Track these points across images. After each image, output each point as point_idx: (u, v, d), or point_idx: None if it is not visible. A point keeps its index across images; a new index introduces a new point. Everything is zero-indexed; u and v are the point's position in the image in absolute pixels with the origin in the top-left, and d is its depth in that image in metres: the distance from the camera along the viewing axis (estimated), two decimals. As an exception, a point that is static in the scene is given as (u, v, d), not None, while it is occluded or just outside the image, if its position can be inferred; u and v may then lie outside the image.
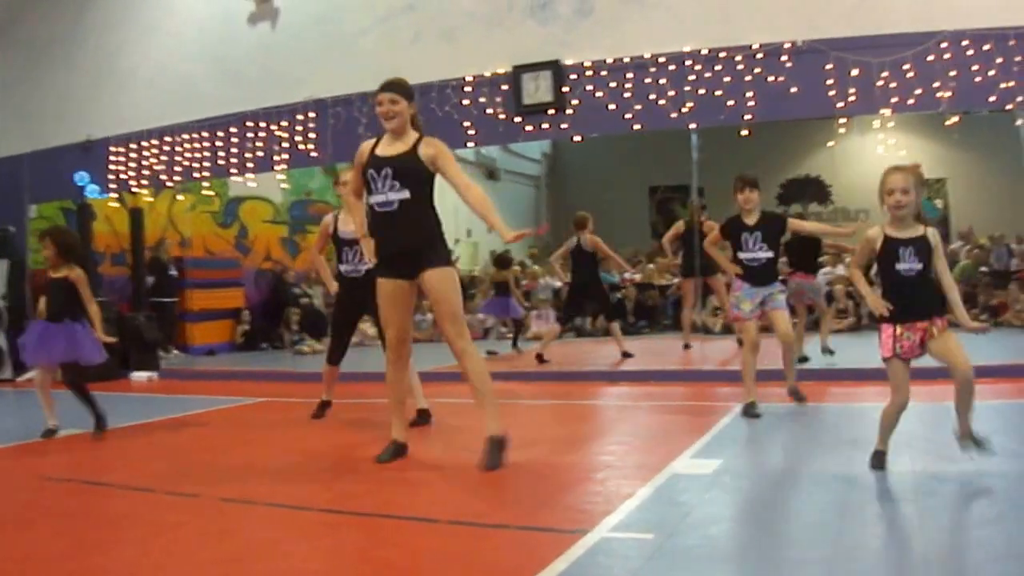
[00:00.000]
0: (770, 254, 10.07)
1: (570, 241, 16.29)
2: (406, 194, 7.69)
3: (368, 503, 6.57)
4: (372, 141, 8.01)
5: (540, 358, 16.00)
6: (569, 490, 6.84)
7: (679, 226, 16.74)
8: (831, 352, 14.21)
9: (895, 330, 6.82)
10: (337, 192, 11.04)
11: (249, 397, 13.49)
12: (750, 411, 9.84)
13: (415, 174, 7.73)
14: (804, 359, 13.92)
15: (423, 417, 10.18)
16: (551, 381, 14.36)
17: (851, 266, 7.38)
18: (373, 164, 7.79)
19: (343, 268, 10.58)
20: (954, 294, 7.03)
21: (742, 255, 10.12)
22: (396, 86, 7.97)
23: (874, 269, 7.27)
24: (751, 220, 10.11)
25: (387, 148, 7.87)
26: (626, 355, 15.90)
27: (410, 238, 7.80)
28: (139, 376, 17.21)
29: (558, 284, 23.98)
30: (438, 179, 7.77)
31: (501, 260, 19.04)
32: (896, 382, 6.91)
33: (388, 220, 7.78)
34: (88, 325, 10.16)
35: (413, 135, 7.92)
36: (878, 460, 6.98)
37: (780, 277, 10.55)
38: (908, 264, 6.74)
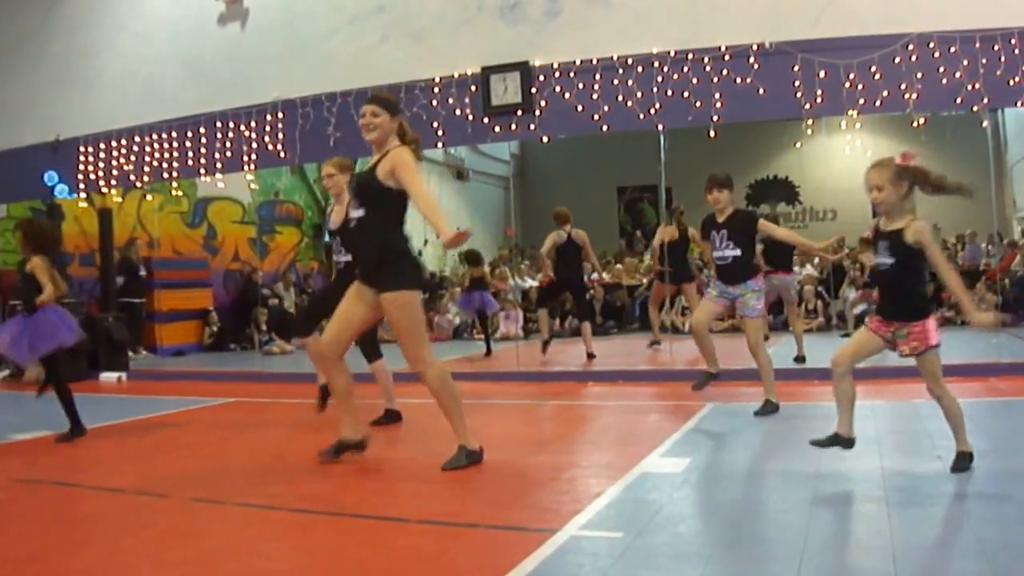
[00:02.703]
0: (737, 252, 10.00)
1: (559, 235, 16.13)
2: (362, 212, 7.73)
3: (339, 503, 6.59)
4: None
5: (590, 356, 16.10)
6: (539, 489, 6.88)
7: (672, 232, 16.67)
8: (802, 359, 14.22)
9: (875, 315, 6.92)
10: (325, 186, 10.97)
11: (218, 398, 13.47)
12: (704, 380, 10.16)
13: (371, 191, 7.71)
14: (801, 359, 14.06)
15: (391, 417, 10.17)
16: (521, 381, 14.39)
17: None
18: (355, 182, 7.90)
19: (336, 258, 10.51)
20: (954, 285, 6.91)
21: (714, 253, 10.20)
22: (379, 99, 7.90)
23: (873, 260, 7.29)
24: (721, 218, 10.15)
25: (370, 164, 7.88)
26: (591, 356, 15.95)
27: (367, 256, 7.82)
28: (108, 377, 17.14)
29: (527, 285, 24.03)
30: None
31: (472, 257, 19.03)
32: (853, 338, 7.18)
33: (352, 237, 8.05)
34: (58, 310, 10.14)
35: (387, 149, 7.85)
36: (838, 441, 7.00)
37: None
38: (880, 258, 6.78)
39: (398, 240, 7.78)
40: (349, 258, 9.78)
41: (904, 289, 6.78)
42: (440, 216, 7.44)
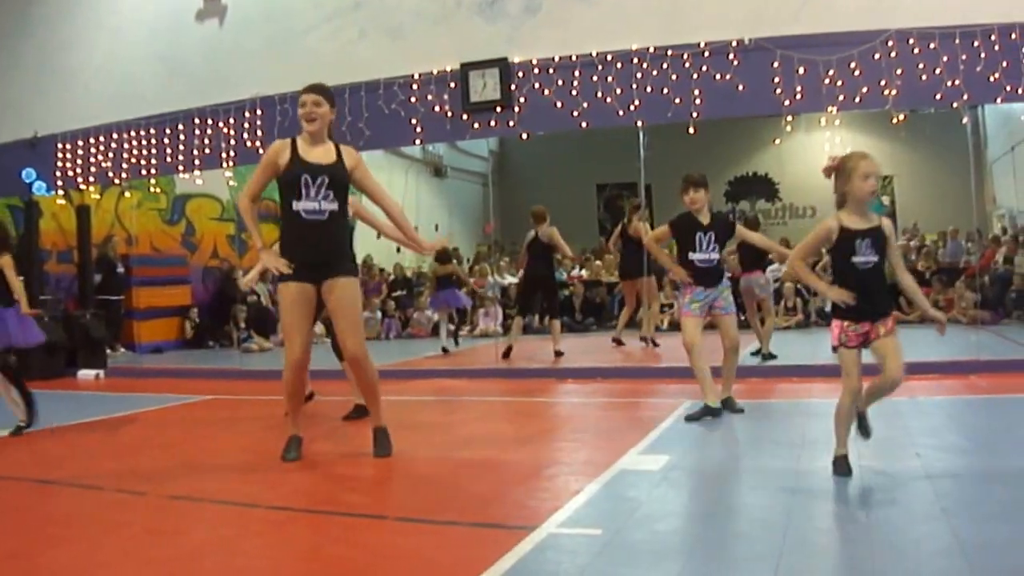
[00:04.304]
0: (719, 255, 9.97)
1: (528, 234, 16.18)
2: (336, 205, 7.80)
3: (316, 500, 6.58)
4: (287, 142, 7.95)
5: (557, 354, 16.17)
6: (517, 486, 6.86)
7: (618, 228, 16.73)
8: (772, 357, 14.18)
9: (843, 324, 6.75)
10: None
11: (196, 395, 13.44)
12: (713, 411, 9.69)
13: (344, 186, 7.90)
14: (771, 356, 14.03)
15: (360, 412, 10.12)
16: (498, 378, 14.40)
17: (793, 259, 7.12)
18: (307, 169, 7.76)
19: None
20: (911, 284, 7.02)
21: (695, 256, 9.84)
22: (320, 89, 8.07)
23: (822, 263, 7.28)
24: (705, 220, 9.91)
25: (313, 153, 7.89)
26: (558, 354, 16.02)
27: (333, 248, 7.90)
28: (86, 374, 17.10)
29: (506, 282, 24.01)
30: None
31: (442, 254, 19.00)
32: (846, 369, 6.85)
33: (316, 229, 7.83)
34: (19, 309, 10.15)
35: (330, 143, 8.04)
36: (842, 465, 6.80)
37: (729, 276, 10.49)
38: (864, 256, 6.68)
39: (351, 232, 8.29)
40: None
41: (884, 285, 6.80)
42: (411, 225, 8.04)
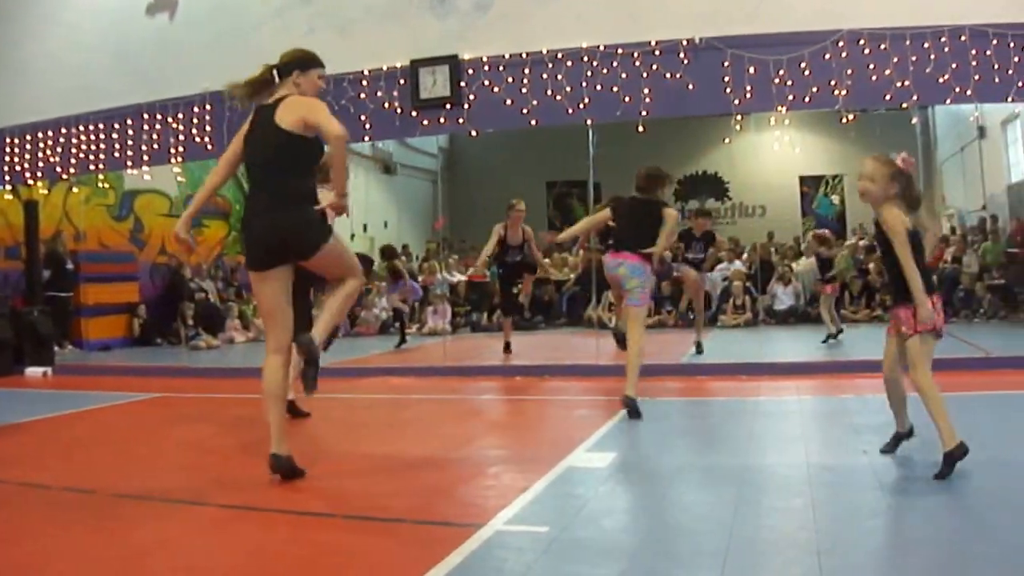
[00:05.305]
0: None
1: (499, 228, 16.16)
2: None
3: (265, 498, 6.54)
4: None
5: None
6: (464, 484, 6.89)
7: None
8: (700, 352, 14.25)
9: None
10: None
11: (144, 393, 13.34)
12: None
13: None
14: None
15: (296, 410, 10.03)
16: (447, 376, 14.36)
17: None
18: None
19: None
20: (909, 275, 6.88)
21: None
22: None
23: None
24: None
25: None
26: (507, 348, 16.19)
27: None
28: (34, 371, 16.98)
29: (455, 279, 24.03)
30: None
31: (387, 251, 18.97)
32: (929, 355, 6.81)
33: None
34: None
35: None
36: (890, 443, 7.26)
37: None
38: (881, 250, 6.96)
39: None
40: None
41: (892, 274, 6.91)
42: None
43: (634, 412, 9.50)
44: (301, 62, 7.60)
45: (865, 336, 16.03)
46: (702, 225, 15.67)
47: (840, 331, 15.96)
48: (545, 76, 14.33)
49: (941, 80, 12.97)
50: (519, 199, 16.26)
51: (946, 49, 12.93)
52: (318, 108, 7.13)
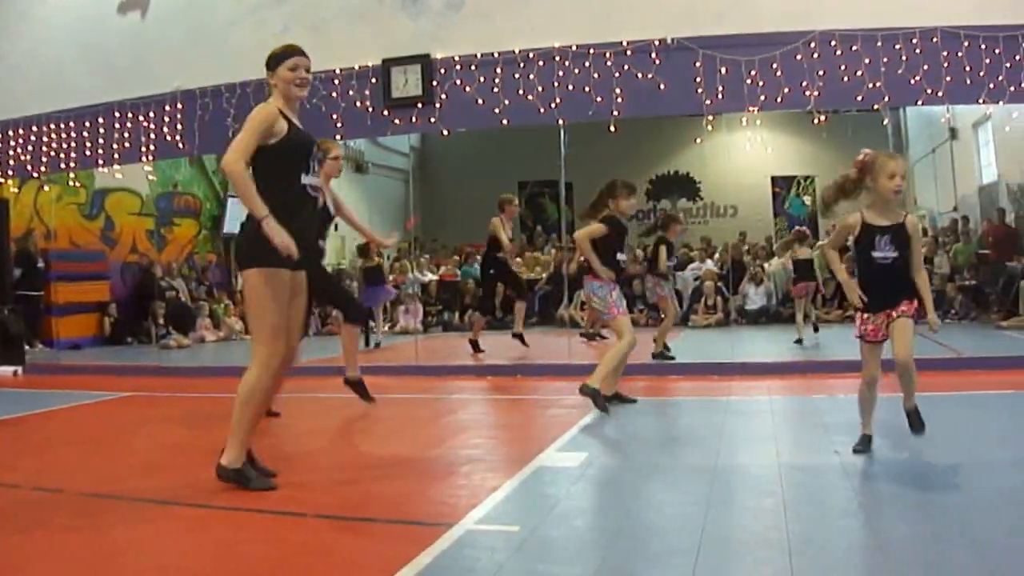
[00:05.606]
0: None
1: (498, 222, 16.00)
2: (317, 180, 7.21)
3: (235, 498, 6.50)
4: (274, 108, 6.89)
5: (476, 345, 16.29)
6: (436, 483, 6.89)
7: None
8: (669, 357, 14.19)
9: (863, 316, 7.16)
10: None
11: (115, 392, 13.28)
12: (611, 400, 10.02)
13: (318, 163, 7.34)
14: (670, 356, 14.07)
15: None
16: (419, 375, 14.35)
17: (826, 247, 7.59)
18: (310, 141, 7.14)
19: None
20: (922, 283, 7.20)
21: (621, 256, 10.24)
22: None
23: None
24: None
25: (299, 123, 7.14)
26: (477, 348, 16.30)
27: (313, 230, 7.46)
28: (4, 370, 16.88)
29: (426, 279, 24.01)
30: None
31: (364, 250, 18.93)
32: (864, 359, 7.27)
33: (314, 208, 7.28)
34: None
35: None
36: (864, 443, 7.28)
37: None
38: (883, 252, 6.96)
39: None
40: None
41: (904, 279, 7.05)
42: None
43: (599, 404, 9.74)
44: (268, 63, 7.07)
45: (837, 337, 16.04)
46: (676, 231, 15.51)
47: (799, 340, 15.79)
48: (517, 76, 14.34)
49: (913, 81, 13.03)
50: (512, 195, 16.20)
51: (918, 51, 12.99)
52: (246, 123, 6.80)
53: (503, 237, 15.92)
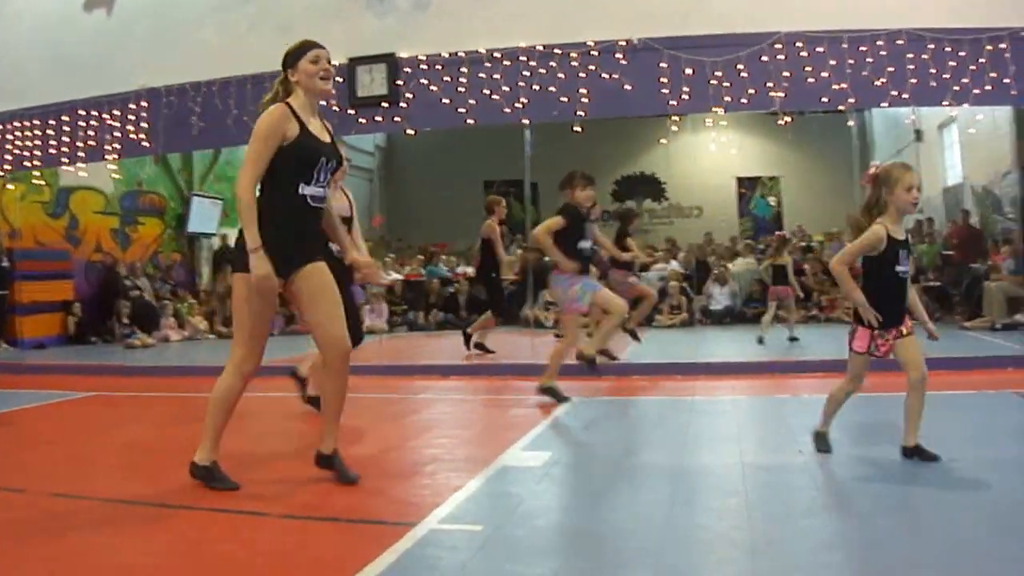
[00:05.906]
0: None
1: (494, 224, 15.72)
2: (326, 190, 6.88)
3: (198, 497, 6.49)
4: (286, 109, 6.55)
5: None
6: (399, 483, 6.90)
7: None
8: (612, 358, 14.14)
9: (873, 332, 7.02)
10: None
11: (79, 391, 13.22)
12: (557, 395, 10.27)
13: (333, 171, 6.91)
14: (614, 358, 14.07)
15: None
16: (383, 375, 14.32)
17: (836, 262, 7.20)
18: (324, 150, 6.67)
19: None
20: (915, 294, 7.26)
21: (583, 244, 10.29)
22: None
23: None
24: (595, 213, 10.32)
25: (314, 126, 6.73)
26: (485, 349, 16.09)
27: (320, 237, 7.04)
28: (-33, 370, 16.86)
29: (392, 278, 23.97)
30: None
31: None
32: (855, 372, 7.22)
33: (316, 218, 6.83)
34: None
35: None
36: (822, 442, 7.30)
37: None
38: (904, 266, 6.97)
39: None
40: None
41: (907, 292, 7.11)
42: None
43: (558, 397, 10.15)
44: (285, 62, 6.81)
45: (803, 337, 16.07)
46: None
47: (761, 339, 15.80)
48: (482, 75, 14.37)
49: (878, 83, 13.11)
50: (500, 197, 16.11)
51: (883, 52, 13.06)
52: (252, 132, 6.50)
53: (501, 252, 15.87)
